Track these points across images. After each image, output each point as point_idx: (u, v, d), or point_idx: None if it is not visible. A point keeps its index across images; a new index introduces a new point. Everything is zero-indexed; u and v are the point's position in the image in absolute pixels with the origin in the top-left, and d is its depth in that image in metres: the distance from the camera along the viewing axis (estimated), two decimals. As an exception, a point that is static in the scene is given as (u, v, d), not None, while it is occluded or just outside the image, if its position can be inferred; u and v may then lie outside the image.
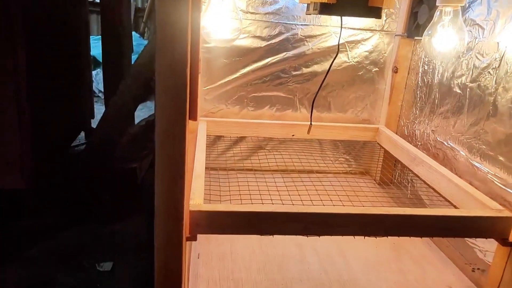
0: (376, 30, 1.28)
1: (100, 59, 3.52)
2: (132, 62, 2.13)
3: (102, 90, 3.70)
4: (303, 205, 0.90)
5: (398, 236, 0.83)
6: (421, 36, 1.03)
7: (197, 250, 0.94)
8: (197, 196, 0.76)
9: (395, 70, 1.30)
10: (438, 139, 1.12)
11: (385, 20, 1.27)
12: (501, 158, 0.88)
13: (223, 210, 0.72)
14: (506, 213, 0.79)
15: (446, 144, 1.08)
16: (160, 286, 0.69)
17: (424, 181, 1.06)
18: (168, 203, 0.65)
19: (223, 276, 0.86)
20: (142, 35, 5.04)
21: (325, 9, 0.81)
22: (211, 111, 1.32)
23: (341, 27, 0.99)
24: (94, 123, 2.17)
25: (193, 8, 0.57)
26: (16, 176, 1.43)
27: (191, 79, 0.61)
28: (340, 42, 1.24)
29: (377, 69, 1.33)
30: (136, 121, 1.82)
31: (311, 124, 1.11)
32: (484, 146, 0.94)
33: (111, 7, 2.05)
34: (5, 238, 1.39)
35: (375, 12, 0.83)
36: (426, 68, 1.19)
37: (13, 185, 1.44)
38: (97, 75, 3.51)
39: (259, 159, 1.39)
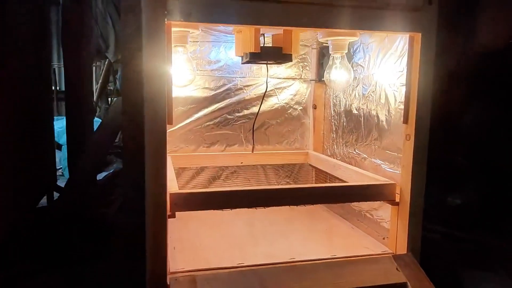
0: (296, 78, 1.70)
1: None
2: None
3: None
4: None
5: (324, 203, 1.13)
6: (326, 77, 1.45)
7: (172, 244, 1.17)
8: (173, 187, 1.03)
9: (314, 107, 1.70)
10: (349, 150, 1.49)
11: (301, 71, 1.70)
12: (386, 151, 1.26)
13: (195, 191, 1.00)
14: (390, 182, 1.14)
15: (354, 152, 1.45)
16: (150, 252, 0.93)
17: (342, 180, 1.41)
18: (155, 186, 0.92)
19: (196, 258, 1.10)
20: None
21: (253, 57, 1.19)
22: (173, 149, 1.61)
23: (268, 74, 1.38)
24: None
25: (167, 62, 0.91)
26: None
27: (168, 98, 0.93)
28: (269, 89, 1.64)
29: (301, 107, 1.72)
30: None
31: (253, 144, 1.44)
32: (376, 147, 1.31)
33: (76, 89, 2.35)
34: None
35: (288, 57, 1.22)
36: (335, 102, 1.60)
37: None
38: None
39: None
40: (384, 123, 1.27)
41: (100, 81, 5.26)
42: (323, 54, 1.60)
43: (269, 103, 1.68)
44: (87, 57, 2.68)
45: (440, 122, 1.01)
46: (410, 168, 1.05)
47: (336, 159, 1.57)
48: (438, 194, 1.11)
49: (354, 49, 1.43)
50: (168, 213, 0.96)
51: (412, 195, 1.06)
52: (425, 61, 1.01)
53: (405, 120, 1.07)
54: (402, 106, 1.16)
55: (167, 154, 1.47)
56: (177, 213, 0.99)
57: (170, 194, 0.96)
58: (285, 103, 1.71)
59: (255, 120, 1.47)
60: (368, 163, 1.36)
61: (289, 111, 1.71)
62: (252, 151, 1.46)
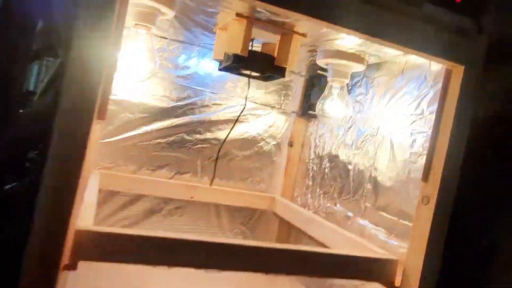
0: (275, 107, 1.42)
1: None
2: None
3: None
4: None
5: (299, 275, 0.82)
6: (314, 110, 1.18)
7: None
8: (86, 219, 0.67)
9: (291, 144, 1.42)
10: (328, 204, 1.20)
11: (282, 100, 1.43)
12: (382, 213, 0.98)
13: (117, 233, 0.64)
14: (392, 257, 0.85)
15: (335, 207, 1.16)
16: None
17: (317, 241, 1.10)
18: (50, 216, 0.57)
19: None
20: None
21: (237, 61, 0.89)
22: (106, 166, 1.24)
23: (248, 91, 1.09)
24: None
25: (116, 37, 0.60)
26: None
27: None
28: (243, 114, 1.35)
29: (275, 142, 1.43)
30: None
31: (214, 175, 1.11)
32: (368, 204, 1.04)
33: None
34: None
35: (281, 71, 0.94)
36: (317, 142, 1.33)
37: None
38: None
39: (152, 227, 1.30)
40: (383, 176, 1.00)
41: (46, 80, 4.73)
42: (312, 84, 1.35)
43: (238, 130, 1.38)
44: (29, 52, 2.28)
45: (471, 186, 0.76)
46: (425, 242, 0.77)
47: (309, 211, 1.28)
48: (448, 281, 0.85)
49: (354, 82, 1.19)
50: (66, 262, 0.59)
51: (422, 279, 0.77)
52: (464, 103, 0.76)
53: (425, 177, 0.80)
54: (413, 158, 0.91)
55: (96, 169, 1.10)
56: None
57: (77, 231, 0.61)
58: (257, 133, 1.41)
59: (221, 146, 1.16)
60: (352, 224, 1.08)
61: (260, 144, 1.42)
62: (211, 184, 1.13)
